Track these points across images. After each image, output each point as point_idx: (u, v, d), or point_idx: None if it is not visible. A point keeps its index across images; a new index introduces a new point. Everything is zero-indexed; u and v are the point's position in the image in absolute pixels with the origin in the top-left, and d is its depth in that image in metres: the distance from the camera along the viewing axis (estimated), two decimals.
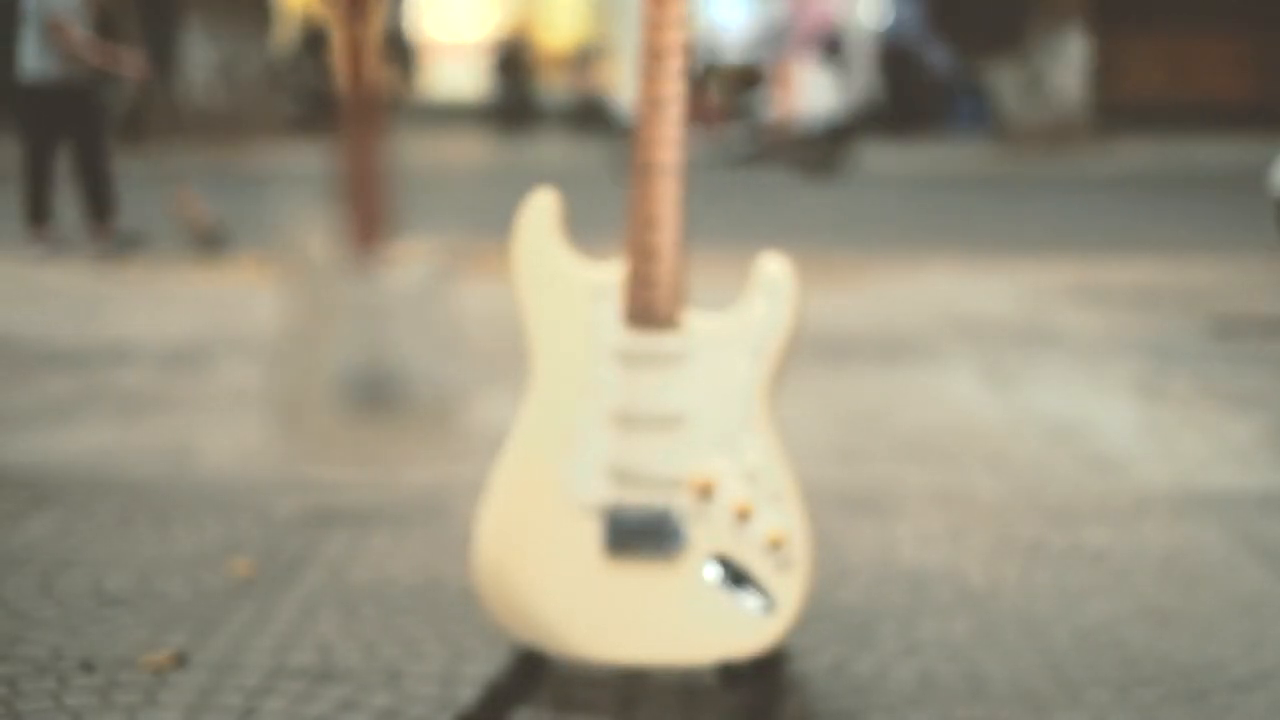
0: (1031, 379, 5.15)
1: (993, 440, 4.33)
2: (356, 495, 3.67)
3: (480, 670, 2.63)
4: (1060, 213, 11.21)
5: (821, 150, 13.48)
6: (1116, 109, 17.71)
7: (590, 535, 2.38)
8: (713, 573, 2.36)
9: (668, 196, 2.35)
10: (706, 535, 2.36)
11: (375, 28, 2.17)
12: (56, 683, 2.58)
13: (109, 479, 3.83)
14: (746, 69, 14.19)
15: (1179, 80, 19.22)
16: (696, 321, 2.38)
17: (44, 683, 2.58)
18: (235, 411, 4.51)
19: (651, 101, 2.34)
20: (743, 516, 2.34)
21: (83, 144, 7.98)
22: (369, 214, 2.19)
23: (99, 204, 8.04)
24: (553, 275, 2.40)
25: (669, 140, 2.35)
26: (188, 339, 5.76)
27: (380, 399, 2.16)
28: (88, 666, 2.64)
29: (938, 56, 18.66)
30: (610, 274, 2.39)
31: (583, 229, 2.65)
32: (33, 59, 7.88)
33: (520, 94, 20.56)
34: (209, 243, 7.96)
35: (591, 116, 17.34)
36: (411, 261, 2.24)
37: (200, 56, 15.53)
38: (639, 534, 2.36)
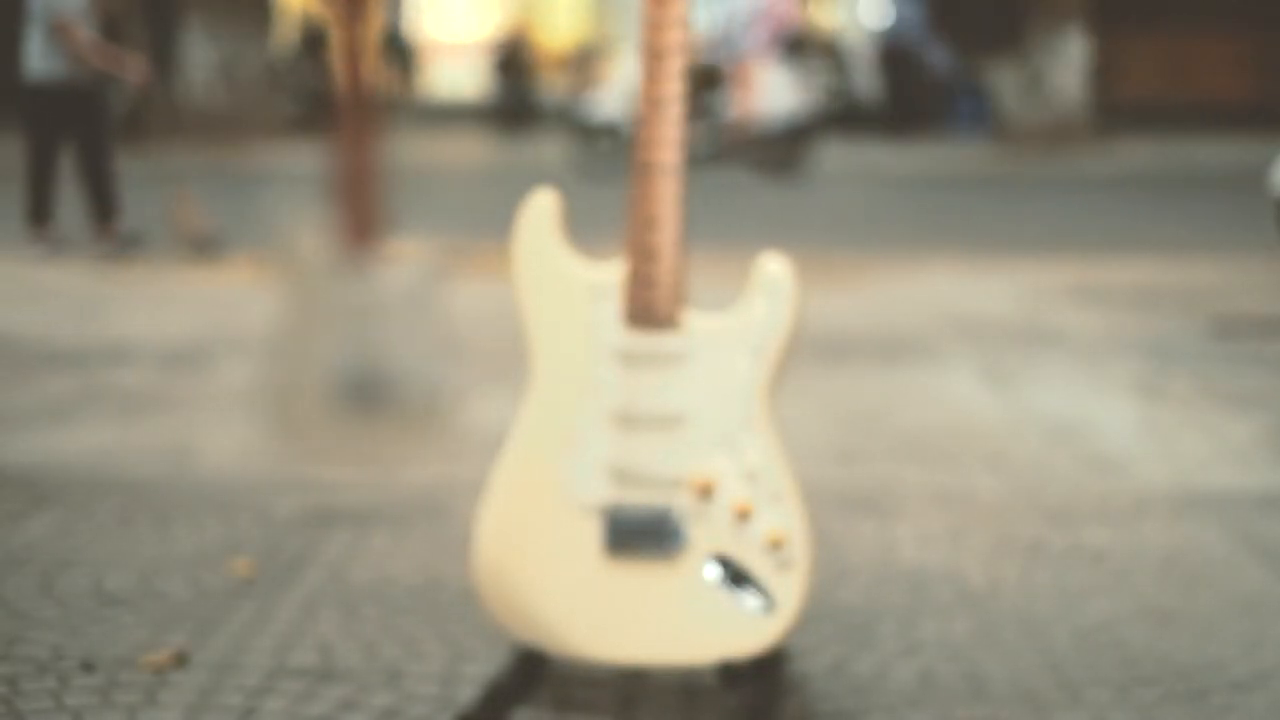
0: (1031, 379, 5.15)
1: (993, 440, 4.33)
2: (356, 495, 3.67)
3: (480, 670, 2.64)
4: (1060, 213, 11.21)
5: (781, 150, 13.48)
6: (1116, 109, 17.71)
7: (590, 535, 2.38)
8: (713, 572, 2.36)
9: (668, 196, 2.35)
10: (706, 535, 2.36)
11: (374, 28, 2.17)
12: (57, 682, 2.58)
13: (109, 479, 3.83)
14: (706, 68, 14.21)
15: (1179, 80, 19.22)
16: (696, 321, 2.38)
17: (44, 682, 2.58)
18: (235, 411, 4.51)
19: (652, 101, 2.34)
20: (743, 516, 2.34)
21: (86, 145, 7.99)
22: (364, 213, 2.20)
23: (102, 205, 8.04)
24: (553, 275, 2.40)
25: (669, 140, 2.35)
26: (188, 339, 5.76)
27: (373, 398, 2.16)
28: (88, 666, 2.64)
29: (938, 56, 18.66)
30: (610, 274, 2.39)
31: (583, 229, 2.65)
32: (38, 59, 7.89)
33: (520, 94, 20.57)
34: (203, 249, 7.94)
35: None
36: (406, 261, 2.24)
37: (200, 56, 15.52)
38: (639, 534, 2.36)
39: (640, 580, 2.37)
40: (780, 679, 2.57)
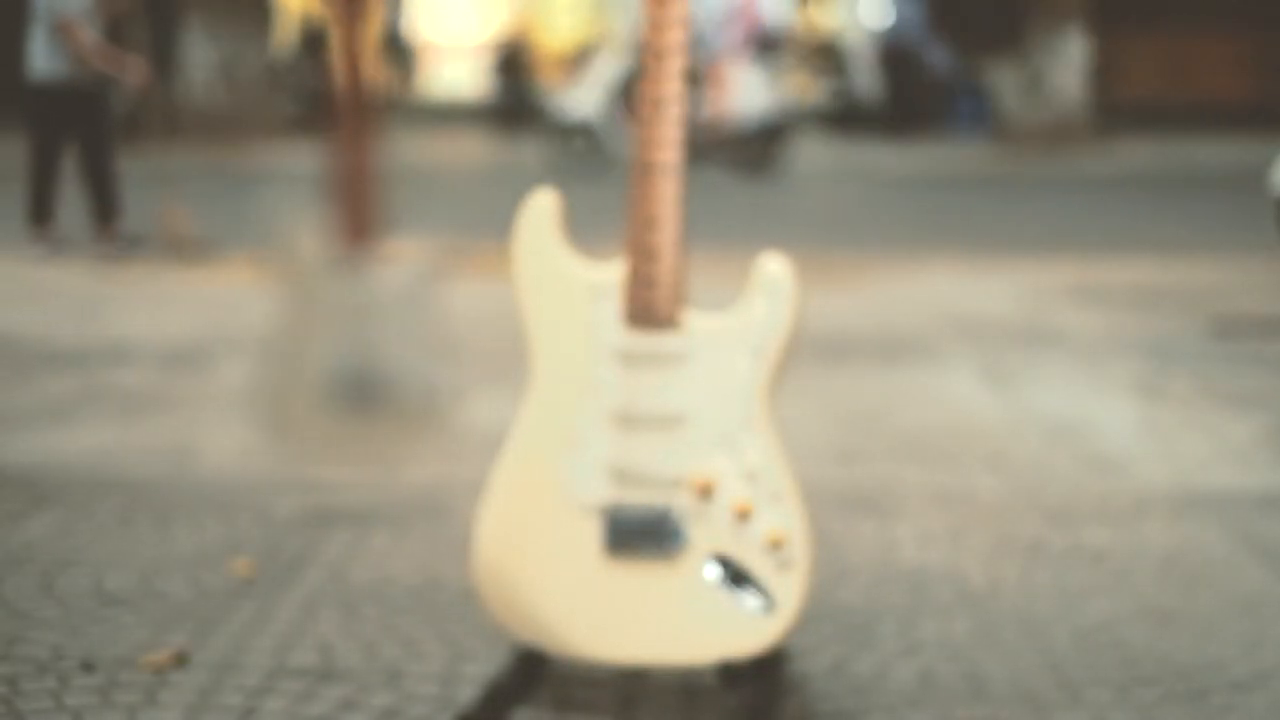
0: (1031, 379, 5.16)
1: (993, 440, 4.33)
2: (356, 495, 3.67)
3: (480, 670, 2.64)
4: (1060, 213, 11.21)
5: (755, 149, 13.49)
6: (1116, 109, 17.71)
7: (590, 535, 2.38)
8: (713, 572, 2.36)
9: (668, 196, 2.35)
10: (706, 535, 2.36)
11: (374, 28, 2.17)
12: (57, 682, 2.58)
13: (109, 479, 3.83)
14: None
15: (1179, 80, 19.22)
16: (696, 321, 2.38)
17: (44, 682, 2.58)
18: (235, 411, 4.51)
19: (652, 101, 2.34)
20: (743, 516, 2.34)
21: (89, 145, 7.99)
22: (362, 213, 2.19)
23: (103, 205, 8.04)
24: (553, 275, 2.40)
25: (669, 140, 2.35)
26: (188, 339, 5.76)
27: (370, 398, 2.16)
28: (88, 666, 2.64)
29: (938, 56, 18.66)
30: (610, 274, 2.39)
31: (583, 229, 2.65)
32: (41, 59, 7.89)
33: (519, 94, 20.57)
34: (186, 254, 7.90)
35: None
36: (403, 260, 2.24)
37: (200, 56, 15.52)
38: (639, 534, 2.36)
39: (640, 580, 2.37)
40: (780, 679, 2.57)
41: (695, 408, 2.36)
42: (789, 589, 2.34)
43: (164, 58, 11.80)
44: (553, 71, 23.59)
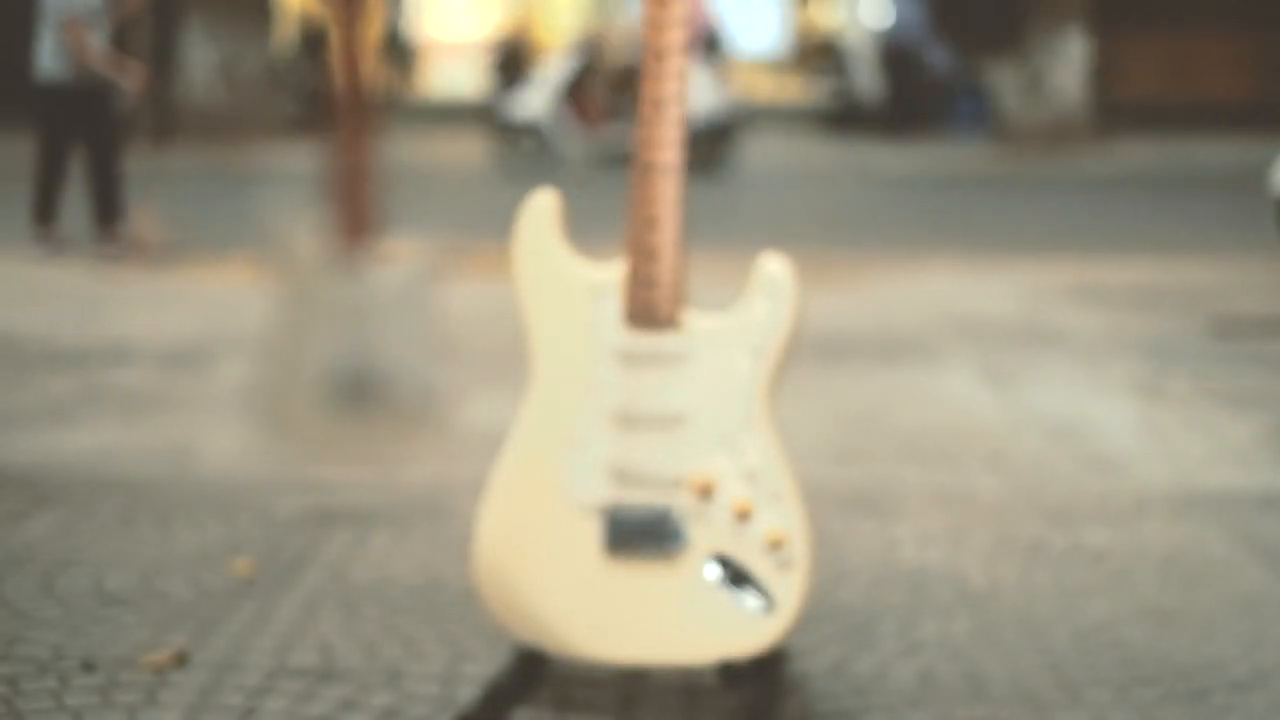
0: (1031, 379, 5.16)
1: (993, 440, 4.33)
2: (357, 495, 3.68)
3: (480, 670, 2.64)
4: (1060, 213, 11.21)
5: (702, 148, 13.49)
6: (1116, 109, 17.70)
7: (590, 535, 2.38)
8: (713, 572, 2.36)
9: (668, 197, 2.35)
10: (706, 535, 2.36)
11: (374, 28, 2.17)
12: (57, 682, 2.58)
13: (110, 479, 3.83)
14: (627, 68, 14.22)
15: (1179, 80, 19.21)
16: (697, 321, 2.38)
17: (45, 682, 2.58)
18: (236, 411, 4.51)
19: (652, 101, 2.34)
20: (743, 516, 2.34)
21: (94, 146, 7.99)
22: (360, 213, 2.19)
23: (106, 206, 8.03)
24: (553, 275, 2.41)
25: (669, 140, 2.35)
26: (188, 339, 5.76)
27: (367, 398, 2.16)
28: (89, 666, 2.64)
29: (938, 56, 18.65)
30: (610, 274, 2.39)
31: (583, 229, 2.66)
32: (48, 59, 7.89)
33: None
34: (152, 260, 7.83)
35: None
36: (401, 260, 2.23)
37: (200, 56, 15.51)
38: (639, 534, 2.36)
39: (640, 580, 2.37)
40: (780, 679, 2.57)
41: (695, 408, 2.36)
42: (789, 589, 2.34)
43: (164, 58, 11.79)
44: None
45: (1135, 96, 18.72)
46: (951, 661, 2.72)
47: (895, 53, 18.62)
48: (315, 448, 2.87)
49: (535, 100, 13.65)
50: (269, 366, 2.27)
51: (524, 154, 13.50)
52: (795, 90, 24.54)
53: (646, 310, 2.36)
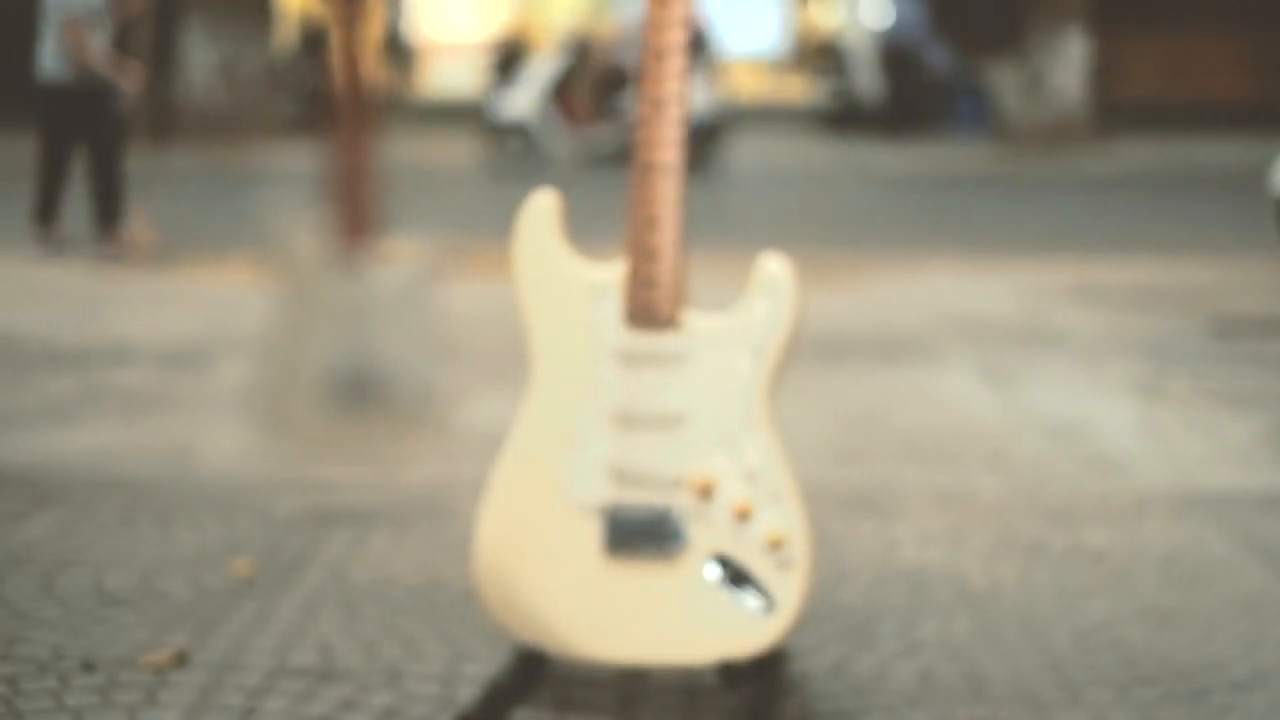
0: (1031, 379, 5.16)
1: (993, 440, 4.33)
2: (357, 495, 3.68)
3: (480, 670, 2.64)
4: (1060, 213, 11.21)
5: (690, 149, 13.49)
6: (1116, 109, 17.70)
7: (590, 535, 2.38)
8: (713, 572, 2.36)
9: (668, 197, 2.35)
10: (706, 535, 2.36)
11: (374, 28, 2.17)
12: (57, 682, 2.58)
13: (110, 479, 3.83)
14: (613, 69, 14.23)
15: (1179, 80, 19.21)
16: (697, 321, 2.38)
17: (45, 682, 2.58)
18: (235, 411, 4.51)
19: (652, 102, 2.34)
20: (743, 516, 2.34)
21: (95, 147, 7.99)
22: (360, 212, 2.19)
23: (108, 207, 8.03)
24: (553, 275, 2.41)
25: (669, 140, 2.35)
26: (188, 339, 5.76)
27: (366, 397, 2.16)
28: (89, 666, 2.64)
29: (938, 56, 18.65)
30: (610, 274, 2.39)
31: (583, 229, 2.66)
32: (51, 59, 7.89)
33: None
34: (137, 262, 7.81)
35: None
36: (401, 260, 2.23)
37: (200, 56, 15.51)
38: (639, 534, 2.36)
39: (640, 580, 2.37)
40: (780, 679, 2.57)
41: (695, 408, 2.36)
42: (789, 589, 2.34)
43: (164, 58, 11.79)
44: None
45: (1135, 96, 18.71)
46: (951, 661, 2.72)
47: (895, 53, 18.62)
48: (315, 447, 2.87)
49: (522, 100, 13.65)
50: (269, 366, 2.27)
51: (511, 154, 13.49)
52: (795, 90, 24.55)
53: (646, 310, 2.36)
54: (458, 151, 15.59)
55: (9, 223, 8.53)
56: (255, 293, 6.56)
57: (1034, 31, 16.42)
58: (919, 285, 7.29)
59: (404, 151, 13.26)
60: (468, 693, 2.55)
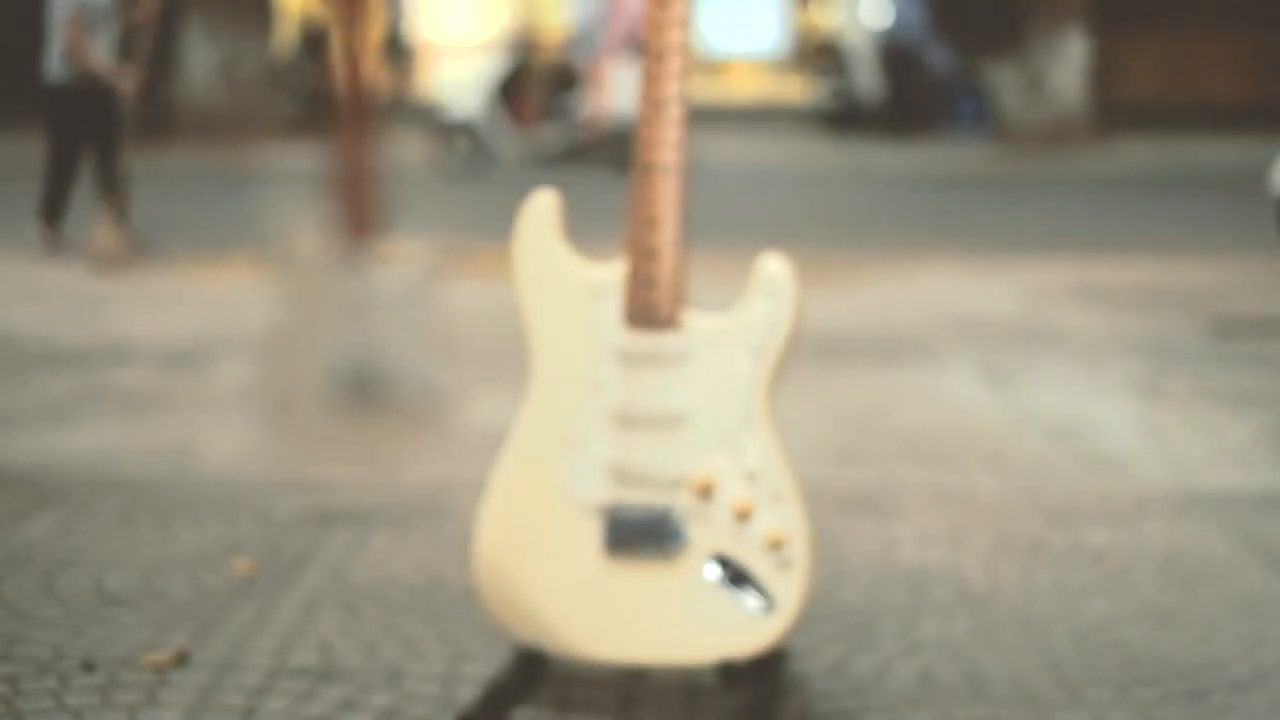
0: (1031, 379, 5.16)
1: (993, 440, 4.33)
2: (357, 495, 3.68)
3: (480, 670, 2.64)
4: (1060, 213, 11.21)
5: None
6: (1116, 109, 17.70)
7: (590, 535, 2.38)
8: (713, 572, 2.36)
9: (668, 197, 2.35)
10: (706, 535, 2.36)
11: (375, 28, 2.17)
12: (58, 682, 2.58)
13: (110, 479, 3.83)
14: (561, 67, 14.21)
15: (1179, 80, 19.21)
16: (697, 321, 2.38)
17: (45, 682, 2.58)
18: (236, 411, 4.51)
19: (652, 102, 2.34)
20: (743, 516, 2.34)
21: (103, 148, 7.99)
22: (361, 212, 2.20)
23: (110, 208, 8.02)
24: (553, 275, 2.41)
25: (669, 140, 2.35)
26: (188, 339, 5.76)
27: (368, 396, 2.17)
28: (89, 666, 2.64)
29: (938, 56, 18.65)
30: (610, 274, 2.39)
31: (583, 229, 2.66)
32: (58, 60, 7.90)
33: None
34: (103, 269, 7.78)
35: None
36: (402, 260, 2.24)
37: (200, 56, 15.51)
38: (639, 534, 2.36)
39: (640, 580, 2.37)
40: (780, 679, 2.57)
41: (695, 408, 2.37)
42: (789, 589, 2.34)
43: (164, 58, 11.79)
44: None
45: (1135, 96, 18.71)
46: (951, 661, 2.72)
47: (895, 53, 18.61)
48: (317, 446, 2.88)
49: (470, 100, 13.63)
50: (272, 366, 2.28)
51: (459, 153, 13.47)
52: (795, 90, 24.54)
53: (646, 310, 2.36)
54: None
55: (9, 223, 8.53)
56: (255, 293, 6.56)
57: (1034, 31, 16.42)
58: (919, 285, 7.29)
59: (404, 152, 13.26)
60: (468, 693, 2.55)
